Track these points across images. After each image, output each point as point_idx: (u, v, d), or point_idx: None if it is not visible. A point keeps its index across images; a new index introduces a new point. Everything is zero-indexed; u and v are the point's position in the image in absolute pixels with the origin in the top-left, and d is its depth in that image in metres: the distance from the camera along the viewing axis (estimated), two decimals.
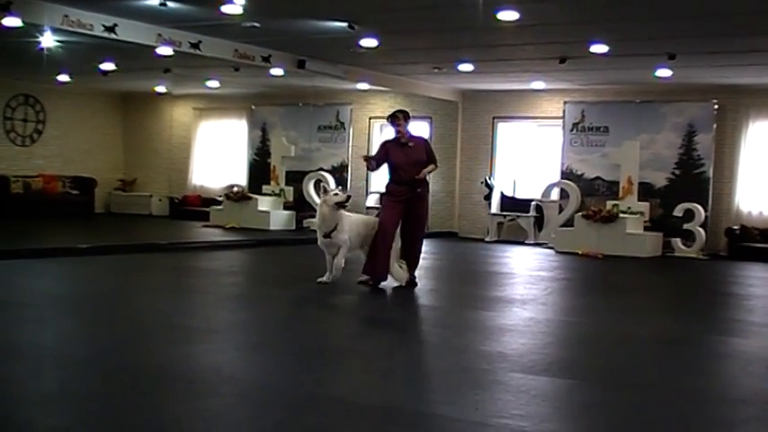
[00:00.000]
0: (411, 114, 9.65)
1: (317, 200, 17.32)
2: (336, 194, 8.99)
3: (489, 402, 4.66)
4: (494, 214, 17.30)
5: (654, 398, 4.96)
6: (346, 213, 9.14)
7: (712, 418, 4.62)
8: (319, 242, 9.11)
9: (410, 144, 9.20)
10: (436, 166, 9.43)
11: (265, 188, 18.33)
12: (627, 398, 4.95)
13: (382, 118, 18.76)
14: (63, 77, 17.68)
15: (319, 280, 9.05)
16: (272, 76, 15.52)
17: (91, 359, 5.46)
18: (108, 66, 15.62)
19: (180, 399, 4.56)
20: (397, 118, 9.21)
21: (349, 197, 9.09)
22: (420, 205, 9.26)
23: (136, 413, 4.24)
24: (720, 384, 5.55)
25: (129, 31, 11.32)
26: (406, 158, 9.12)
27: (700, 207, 14.87)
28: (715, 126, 15.49)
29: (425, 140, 9.68)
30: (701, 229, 14.84)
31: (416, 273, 9.32)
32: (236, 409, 4.46)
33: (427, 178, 9.35)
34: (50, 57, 13.29)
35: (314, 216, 17.54)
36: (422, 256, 9.56)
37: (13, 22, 10.23)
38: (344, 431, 4.11)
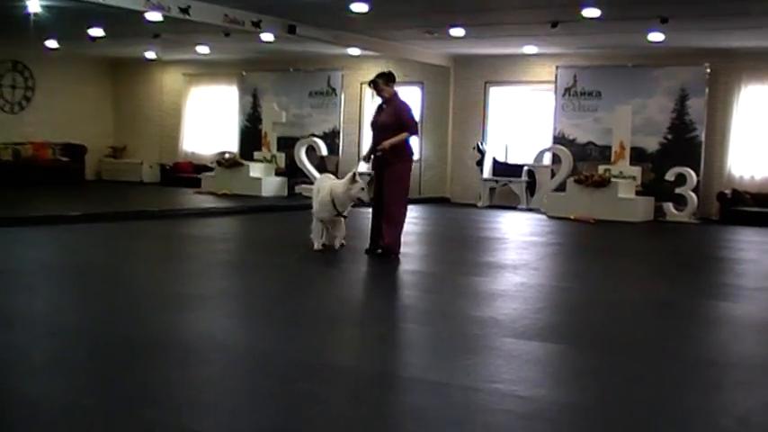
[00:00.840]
0: (400, 78, 9.30)
1: (309, 166, 17.40)
2: (363, 190, 8.90)
3: (481, 367, 4.68)
4: (486, 180, 17.28)
5: (644, 362, 4.99)
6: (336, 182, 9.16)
7: (702, 381, 4.64)
8: (325, 215, 9.02)
9: (384, 106, 9.03)
10: (410, 134, 8.90)
11: (257, 154, 18.25)
12: (618, 362, 4.98)
13: None
14: (51, 43, 17.51)
15: (317, 248, 9.05)
16: (263, 41, 15.39)
17: (82, 327, 5.46)
18: (96, 31, 15.48)
19: (172, 366, 4.57)
20: (376, 83, 8.97)
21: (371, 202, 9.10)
22: (387, 171, 8.90)
23: (127, 381, 4.25)
24: (710, 348, 5.58)
25: None
26: (376, 120, 9.03)
27: (692, 171, 14.88)
28: (707, 90, 15.45)
29: (402, 104, 9.04)
30: (692, 194, 14.86)
31: (403, 240, 9.08)
32: (229, 375, 4.47)
33: (410, 147, 9.03)
34: (37, 22, 13.14)
35: (306, 182, 17.61)
36: (407, 222, 9.28)
37: None
38: (337, 397, 4.13)
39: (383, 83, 8.95)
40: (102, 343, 5.03)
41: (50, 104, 20.19)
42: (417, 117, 9.17)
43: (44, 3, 11.97)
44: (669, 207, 15.03)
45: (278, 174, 17.91)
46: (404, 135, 8.85)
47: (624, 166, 15.23)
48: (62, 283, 7.33)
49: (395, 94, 9.05)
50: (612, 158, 15.42)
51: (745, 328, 6.12)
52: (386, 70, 9.41)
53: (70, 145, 19.79)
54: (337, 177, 17.40)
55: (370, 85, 9.22)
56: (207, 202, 15.48)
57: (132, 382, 4.24)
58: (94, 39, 16.17)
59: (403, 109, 8.98)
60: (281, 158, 18.05)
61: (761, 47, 14.60)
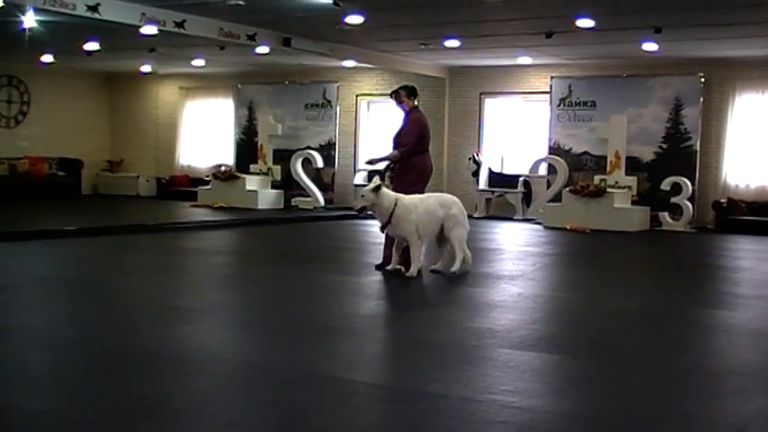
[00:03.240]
0: (394, 89, 9.31)
1: (305, 178, 17.40)
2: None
3: (478, 378, 4.68)
4: (482, 190, 17.30)
5: (641, 371, 4.99)
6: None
7: (700, 390, 4.64)
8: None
9: (404, 118, 9.08)
10: (399, 154, 8.83)
11: (253, 167, 18.27)
12: (614, 371, 4.98)
13: (369, 95, 18.79)
14: (47, 58, 17.52)
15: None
16: (258, 54, 15.43)
17: (79, 341, 5.45)
18: (92, 46, 15.49)
19: (168, 379, 4.56)
20: (398, 94, 9.08)
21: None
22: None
23: (124, 394, 4.24)
24: (707, 357, 5.58)
25: (113, 11, 11.22)
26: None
27: (687, 181, 14.91)
28: (701, 99, 15.49)
29: (412, 121, 8.99)
30: (688, 203, 14.89)
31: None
32: (225, 388, 4.46)
33: (420, 161, 8.94)
34: (33, 37, 13.16)
35: (302, 195, 17.64)
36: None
37: None
38: (334, 408, 4.12)
39: (405, 94, 9.03)
40: (98, 356, 5.02)
41: (46, 119, 20.20)
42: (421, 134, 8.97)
43: (40, 18, 11.99)
44: (665, 216, 15.05)
45: (274, 186, 17.91)
46: (393, 153, 8.90)
47: (620, 175, 15.26)
48: (58, 296, 7.32)
49: (414, 107, 9.07)
50: (608, 168, 15.45)
51: (742, 336, 6.13)
52: (409, 84, 9.46)
53: (66, 159, 19.78)
54: (332, 190, 17.54)
55: (391, 95, 9.25)
56: (203, 215, 15.47)
57: (129, 394, 4.23)
58: (90, 53, 16.18)
59: (410, 126, 8.93)
60: (277, 171, 18.06)
61: (754, 56, 14.66)
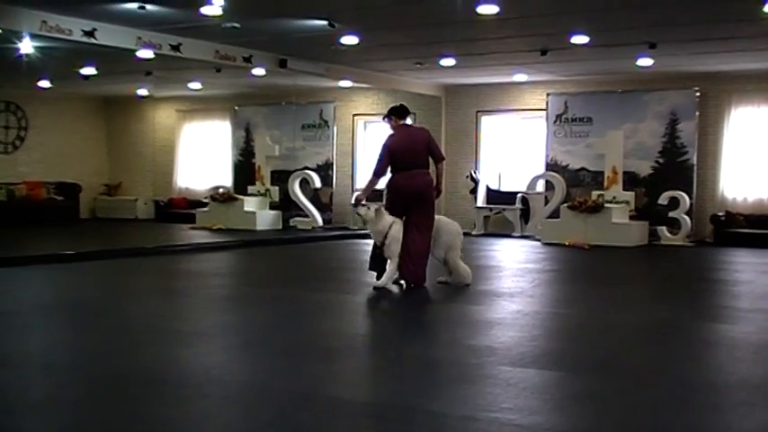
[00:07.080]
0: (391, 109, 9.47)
1: (303, 199, 17.42)
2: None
3: (478, 396, 4.66)
4: (480, 208, 17.33)
5: (642, 386, 4.98)
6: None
7: (701, 404, 4.63)
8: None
9: None
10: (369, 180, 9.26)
11: (251, 188, 18.30)
12: (615, 387, 4.97)
13: (366, 115, 18.84)
14: (44, 83, 17.60)
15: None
16: (254, 75, 15.49)
17: (78, 365, 5.44)
18: (89, 70, 15.57)
19: (169, 402, 4.55)
20: (389, 117, 9.28)
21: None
22: None
23: (124, 418, 4.23)
24: (708, 371, 5.57)
25: (109, 35, 11.29)
26: None
27: (685, 195, 14.94)
28: (697, 113, 15.55)
29: None
30: (686, 217, 14.91)
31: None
32: (226, 410, 4.45)
33: (391, 179, 9.15)
34: (30, 63, 13.22)
35: (300, 215, 17.66)
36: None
37: None
38: (335, 429, 4.11)
39: (388, 115, 9.35)
40: (98, 380, 5.01)
41: (44, 144, 20.25)
42: (379, 155, 9.13)
43: (36, 44, 12.05)
44: (663, 231, 15.07)
45: (272, 207, 17.93)
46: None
47: (617, 191, 15.28)
48: (58, 321, 7.30)
49: (399, 126, 9.28)
50: (605, 184, 15.48)
51: (743, 350, 6.12)
52: (394, 105, 9.62)
53: (64, 183, 19.83)
54: (330, 210, 17.51)
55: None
56: (202, 237, 15.47)
57: (130, 418, 4.22)
58: (87, 77, 16.25)
59: None
60: (275, 192, 18.09)
61: (748, 69, 14.73)
